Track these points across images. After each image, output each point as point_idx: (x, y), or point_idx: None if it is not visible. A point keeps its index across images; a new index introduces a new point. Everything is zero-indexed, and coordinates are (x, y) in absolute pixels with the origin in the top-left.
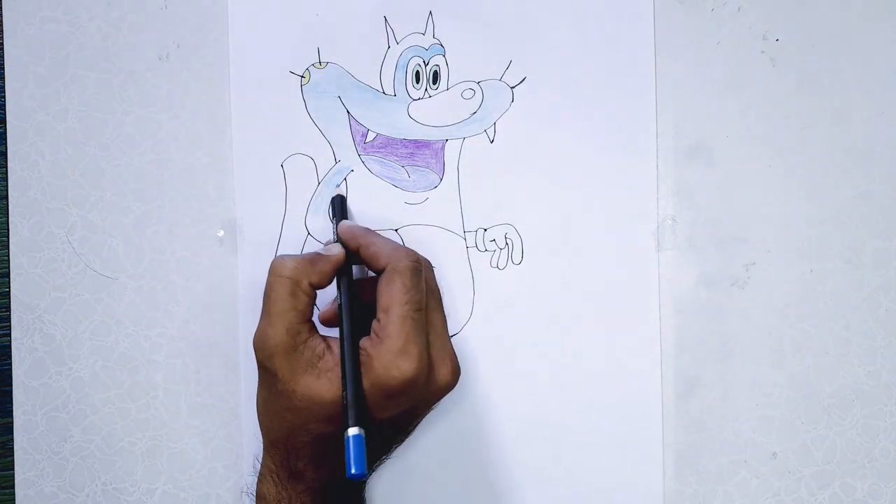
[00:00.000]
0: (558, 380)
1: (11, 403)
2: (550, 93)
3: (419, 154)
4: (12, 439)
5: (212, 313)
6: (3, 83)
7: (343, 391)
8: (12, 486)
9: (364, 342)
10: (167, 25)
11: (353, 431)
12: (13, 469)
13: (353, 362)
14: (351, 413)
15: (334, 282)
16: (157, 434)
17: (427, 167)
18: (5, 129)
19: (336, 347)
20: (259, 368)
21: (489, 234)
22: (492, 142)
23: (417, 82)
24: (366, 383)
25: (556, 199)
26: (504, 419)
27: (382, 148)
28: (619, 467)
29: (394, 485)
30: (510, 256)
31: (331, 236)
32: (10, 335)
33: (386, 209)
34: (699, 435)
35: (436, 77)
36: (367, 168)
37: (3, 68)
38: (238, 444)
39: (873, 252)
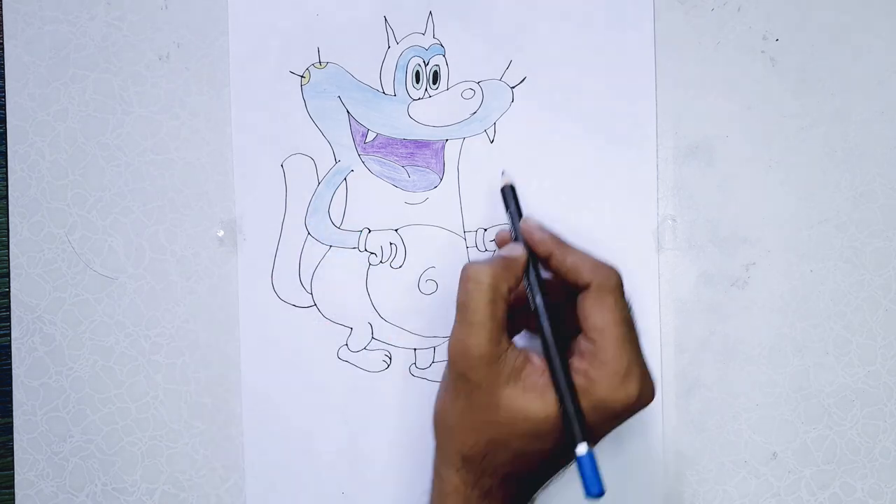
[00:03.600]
0: None
1: (11, 403)
2: (550, 93)
3: (419, 154)
4: (12, 439)
5: (212, 313)
6: (4, 83)
7: (561, 406)
8: (12, 487)
9: (579, 363)
10: (167, 25)
11: (583, 449)
12: (13, 469)
13: (567, 377)
14: (578, 430)
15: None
16: (157, 434)
17: (427, 167)
18: (5, 129)
19: (536, 359)
20: (457, 379)
21: (489, 234)
22: (492, 142)
23: (417, 82)
24: (586, 404)
25: (555, 199)
26: None
27: (382, 148)
28: (619, 467)
29: None
30: None
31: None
32: (10, 335)
33: (386, 209)
34: (699, 435)
35: (436, 77)
36: (367, 168)
37: (4, 68)
38: (238, 445)
39: (873, 252)
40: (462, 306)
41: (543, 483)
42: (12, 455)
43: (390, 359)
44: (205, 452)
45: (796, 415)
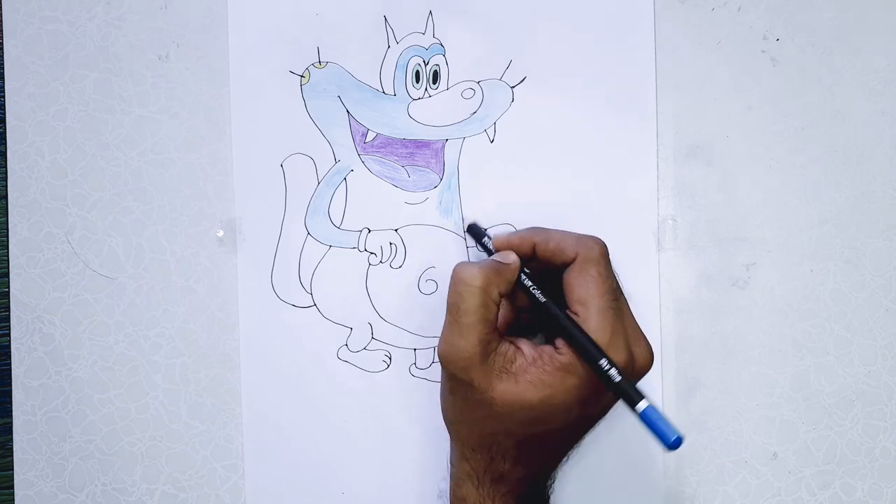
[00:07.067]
0: None
1: (11, 403)
2: (550, 92)
3: (419, 154)
4: (12, 439)
5: (212, 313)
6: (3, 83)
7: (603, 373)
8: (12, 487)
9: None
10: (167, 25)
11: (643, 405)
12: (12, 469)
13: (591, 342)
14: (632, 390)
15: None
16: (157, 434)
17: (427, 167)
18: (5, 129)
19: (526, 349)
20: (450, 379)
21: (490, 234)
22: (492, 142)
23: (417, 82)
24: (577, 380)
25: (555, 199)
26: None
27: (382, 148)
28: (619, 467)
29: None
30: None
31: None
32: (9, 335)
33: (386, 209)
34: (699, 435)
35: (436, 77)
36: (367, 168)
37: (3, 68)
38: (238, 445)
39: (873, 252)
40: (453, 307)
41: (558, 459)
42: (12, 455)
43: (390, 359)
44: (205, 452)
45: (797, 415)
